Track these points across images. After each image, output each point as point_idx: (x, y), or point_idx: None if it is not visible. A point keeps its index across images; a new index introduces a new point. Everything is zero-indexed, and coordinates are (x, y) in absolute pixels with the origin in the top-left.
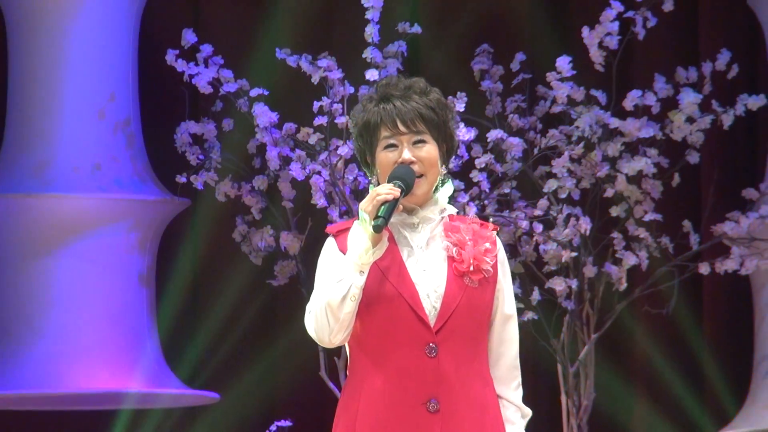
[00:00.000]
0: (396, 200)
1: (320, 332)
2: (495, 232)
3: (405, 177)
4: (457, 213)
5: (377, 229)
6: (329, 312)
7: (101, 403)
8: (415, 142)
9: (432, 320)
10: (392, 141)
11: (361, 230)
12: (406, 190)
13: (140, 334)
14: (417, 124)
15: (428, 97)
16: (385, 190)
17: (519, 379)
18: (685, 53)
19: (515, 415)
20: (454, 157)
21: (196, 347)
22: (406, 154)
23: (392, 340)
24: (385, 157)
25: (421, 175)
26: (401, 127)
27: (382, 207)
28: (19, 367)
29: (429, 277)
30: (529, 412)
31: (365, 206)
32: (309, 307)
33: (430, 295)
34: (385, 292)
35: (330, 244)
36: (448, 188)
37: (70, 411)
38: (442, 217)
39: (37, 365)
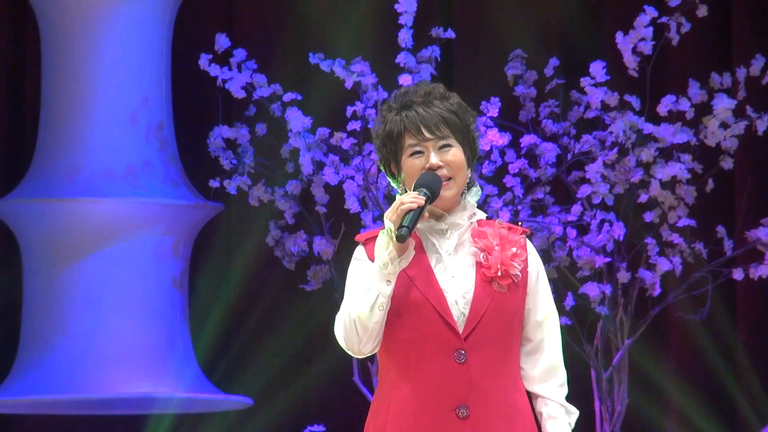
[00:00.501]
0: (421, 208)
1: (349, 342)
2: (525, 236)
3: (430, 184)
4: (488, 217)
5: (401, 238)
6: (357, 322)
7: (134, 407)
8: (441, 147)
9: (460, 326)
10: (418, 148)
11: (386, 239)
12: (432, 197)
13: (173, 338)
14: (441, 128)
15: (449, 101)
16: (410, 199)
17: (563, 379)
18: (719, 59)
19: (558, 410)
20: (487, 161)
21: (230, 352)
22: (433, 159)
23: (421, 346)
24: (411, 164)
25: (449, 179)
26: (426, 133)
27: (407, 216)
28: (49, 371)
29: (457, 284)
30: (574, 410)
31: (390, 215)
32: (338, 316)
33: (459, 302)
34: (413, 299)
35: (359, 252)
36: (476, 192)
37: (101, 415)
38: (471, 222)
39: (69, 369)
